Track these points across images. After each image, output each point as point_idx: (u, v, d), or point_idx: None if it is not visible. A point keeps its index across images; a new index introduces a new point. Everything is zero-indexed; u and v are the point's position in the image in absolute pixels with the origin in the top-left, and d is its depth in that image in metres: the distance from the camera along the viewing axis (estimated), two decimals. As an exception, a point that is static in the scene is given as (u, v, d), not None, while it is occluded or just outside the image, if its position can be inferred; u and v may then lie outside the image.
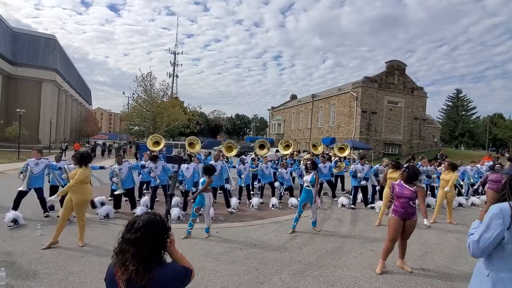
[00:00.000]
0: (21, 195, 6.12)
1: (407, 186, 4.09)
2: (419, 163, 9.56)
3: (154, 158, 7.58)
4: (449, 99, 56.54)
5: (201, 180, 5.57)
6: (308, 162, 6.18)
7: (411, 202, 4.03)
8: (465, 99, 54.79)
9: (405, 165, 5.62)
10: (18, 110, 23.68)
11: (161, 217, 1.46)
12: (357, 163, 8.63)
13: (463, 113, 54.51)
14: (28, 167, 6.17)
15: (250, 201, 8.06)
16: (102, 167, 7.60)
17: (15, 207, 5.94)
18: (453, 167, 7.14)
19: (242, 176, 8.38)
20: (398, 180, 4.32)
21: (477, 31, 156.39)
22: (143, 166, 7.58)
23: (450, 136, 52.96)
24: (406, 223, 4.05)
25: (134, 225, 1.36)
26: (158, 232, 1.38)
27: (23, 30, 40.01)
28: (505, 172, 7.52)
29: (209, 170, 5.49)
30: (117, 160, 7.25)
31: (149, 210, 6.84)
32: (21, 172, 6.28)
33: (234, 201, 7.61)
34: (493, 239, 1.68)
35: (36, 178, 6.19)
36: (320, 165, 9.60)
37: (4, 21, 34.61)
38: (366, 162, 8.73)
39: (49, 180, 6.84)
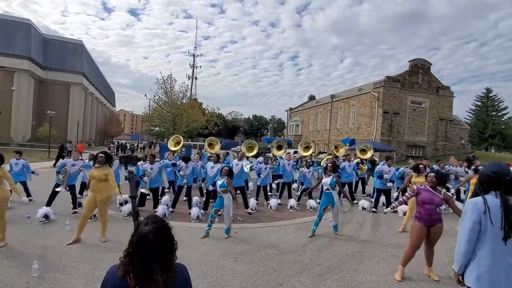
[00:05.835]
0: (55, 193, 6.46)
1: (436, 193, 3.87)
2: (448, 163, 9.15)
3: (186, 160, 7.72)
4: (478, 99, 53.61)
5: (220, 182, 5.45)
6: (329, 164, 6.05)
7: (438, 208, 3.83)
8: (495, 98, 51.75)
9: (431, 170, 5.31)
10: (48, 112, 25.22)
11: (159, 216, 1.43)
12: (383, 164, 8.21)
13: (494, 113, 51.43)
14: (66, 167, 6.35)
15: (268, 202, 8.05)
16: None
17: (49, 204, 6.31)
18: (476, 171, 6.77)
19: (262, 175, 8.33)
20: (423, 185, 4.06)
21: (508, 26, 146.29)
22: (174, 164, 7.68)
23: (479, 137, 50.15)
24: (431, 229, 3.83)
25: (147, 238, 1.23)
26: (170, 232, 1.32)
27: (53, 36, 42.57)
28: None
29: (230, 173, 5.56)
30: (149, 159, 7.23)
31: (171, 209, 7.00)
32: (58, 172, 6.39)
33: (252, 201, 7.63)
34: (471, 225, 2.03)
35: (71, 177, 6.47)
36: (345, 163, 9.36)
37: (36, 28, 36.89)
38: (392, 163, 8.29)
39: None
